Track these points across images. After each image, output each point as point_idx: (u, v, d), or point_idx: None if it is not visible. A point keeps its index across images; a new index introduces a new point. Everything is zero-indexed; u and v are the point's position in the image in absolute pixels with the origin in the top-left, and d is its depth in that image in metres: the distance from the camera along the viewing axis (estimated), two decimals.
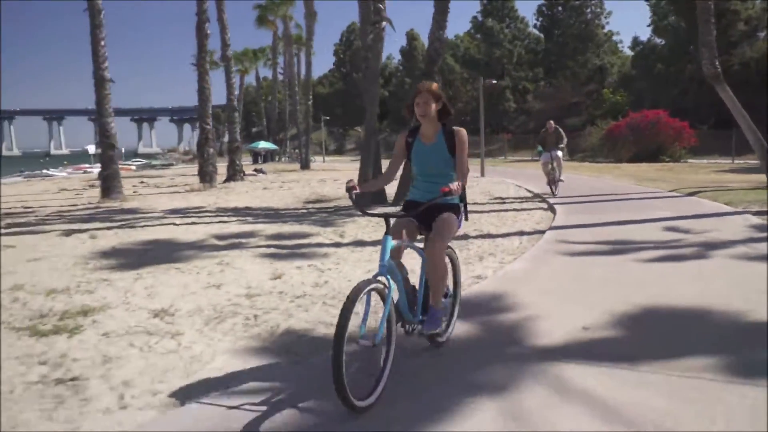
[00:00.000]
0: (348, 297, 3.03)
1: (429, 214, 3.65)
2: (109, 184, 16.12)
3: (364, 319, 3.13)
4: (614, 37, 56.15)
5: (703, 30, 14.35)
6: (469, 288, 5.62)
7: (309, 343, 4.27)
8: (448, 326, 4.07)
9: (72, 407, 3.31)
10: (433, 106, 3.69)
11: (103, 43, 16.11)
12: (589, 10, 54.18)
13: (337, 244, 8.39)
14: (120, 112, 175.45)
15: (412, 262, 3.89)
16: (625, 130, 33.28)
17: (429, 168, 3.79)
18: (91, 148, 55.14)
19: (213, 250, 8.06)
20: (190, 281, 6.22)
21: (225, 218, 12.01)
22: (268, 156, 54.65)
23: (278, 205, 14.62)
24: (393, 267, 3.44)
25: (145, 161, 69.12)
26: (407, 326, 3.67)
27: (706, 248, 7.23)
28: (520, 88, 55.10)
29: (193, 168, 35.14)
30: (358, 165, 16.02)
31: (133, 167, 52.91)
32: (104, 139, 16.50)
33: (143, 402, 3.35)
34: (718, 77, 14.25)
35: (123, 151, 56.91)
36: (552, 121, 14.34)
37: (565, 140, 13.97)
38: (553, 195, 13.60)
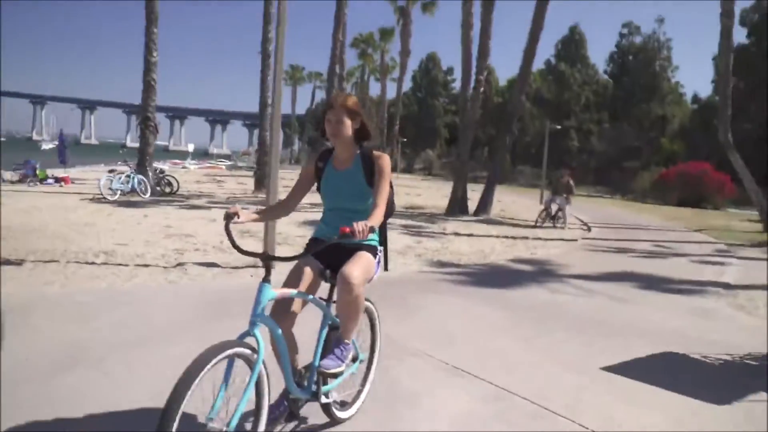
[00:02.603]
0: (186, 370, 2.16)
1: (337, 257, 2.93)
2: (261, 178, 21.69)
3: (219, 395, 2.31)
4: (680, 89, 59.88)
5: (721, 104, 18.88)
6: (532, 256, 10.62)
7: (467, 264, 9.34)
8: (356, 398, 3.37)
9: None
10: (348, 125, 2.99)
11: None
12: (657, 63, 58.05)
13: (443, 233, 13.47)
14: (196, 113, 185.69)
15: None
16: (673, 177, 37.31)
17: (341, 200, 3.07)
18: (191, 147, 62.24)
19: None
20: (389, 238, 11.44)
21: None
22: None
23: None
24: (270, 323, 2.69)
25: (230, 162, 75.72)
26: (288, 407, 2.99)
27: (673, 254, 12.03)
28: (584, 129, 59.28)
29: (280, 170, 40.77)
30: (431, 183, 21.02)
31: (223, 167, 57.97)
32: (262, 146, 22.15)
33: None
34: (729, 145, 18.71)
35: (192, 150, 61.97)
36: (567, 173, 17.68)
37: (573, 192, 17.15)
38: (536, 225, 16.35)
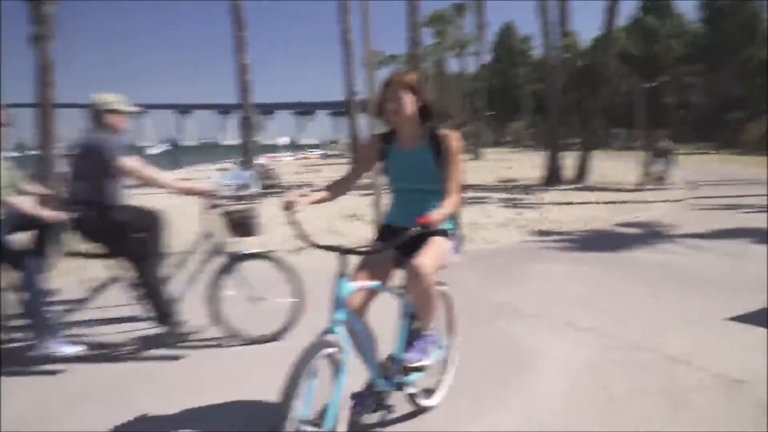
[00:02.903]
0: (289, 375, 2.20)
1: (411, 242, 2.64)
2: None
3: (307, 397, 2.28)
4: None
5: None
6: (636, 219, 10.59)
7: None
8: (440, 385, 3.29)
9: None
10: (409, 101, 2.82)
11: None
12: (754, 1, 54.03)
13: (541, 203, 13.54)
14: (282, 106, 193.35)
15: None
16: None
17: (410, 182, 2.92)
18: (282, 140, 64.34)
19: (472, 204, 13.50)
20: (474, 215, 11.68)
21: (466, 191, 17.60)
22: None
23: (479, 183, 19.98)
24: (353, 320, 2.64)
25: (321, 152, 77.69)
26: (374, 399, 2.91)
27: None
28: (680, 83, 56.22)
29: None
30: (521, 155, 20.93)
31: (317, 156, 59.78)
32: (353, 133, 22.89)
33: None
34: None
35: (289, 142, 64.59)
36: (664, 134, 18.19)
37: (673, 151, 17.16)
38: (637, 189, 16.27)
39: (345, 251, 2.54)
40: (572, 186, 17.75)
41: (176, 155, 25.39)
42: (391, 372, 2.87)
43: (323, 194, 2.90)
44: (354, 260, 2.70)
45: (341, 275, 2.51)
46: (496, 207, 12.94)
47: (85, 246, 4.21)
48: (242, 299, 4.36)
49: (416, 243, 2.74)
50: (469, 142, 57.39)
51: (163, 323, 4.18)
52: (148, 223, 4.27)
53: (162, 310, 4.14)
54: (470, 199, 14.49)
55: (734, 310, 4.86)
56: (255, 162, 20.49)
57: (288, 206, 2.63)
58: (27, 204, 4.00)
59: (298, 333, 4.14)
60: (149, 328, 4.28)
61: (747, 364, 3.75)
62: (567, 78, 59.93)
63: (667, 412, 3.18)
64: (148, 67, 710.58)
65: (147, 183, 4.16)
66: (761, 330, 4.36)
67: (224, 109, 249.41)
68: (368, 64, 8.22)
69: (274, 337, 4.30)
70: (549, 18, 19.24)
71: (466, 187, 19.93)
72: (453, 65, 70.51)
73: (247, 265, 4.40)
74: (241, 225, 4.38)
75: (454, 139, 2.85)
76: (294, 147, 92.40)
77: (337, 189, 2.97)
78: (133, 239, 4.08)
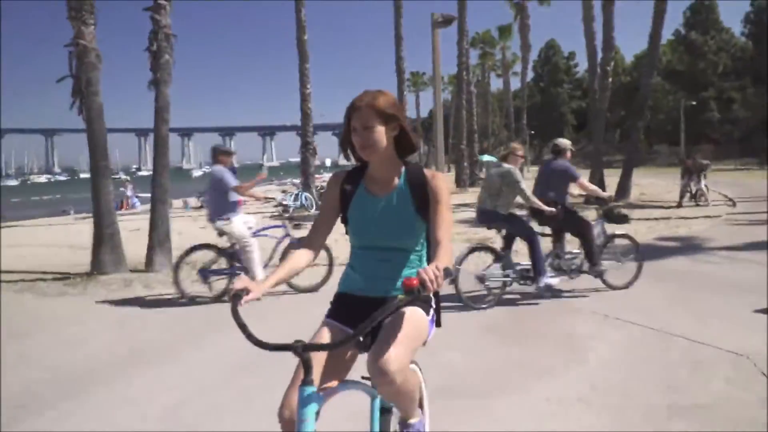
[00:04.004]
0: None
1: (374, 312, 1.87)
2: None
3: None
4: None
5: None
6: (674, 234, 11.49)
7: None
8: None
9: None
10: (381, 132, 2.13)
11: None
12: None
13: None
14: (323, 128, 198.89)
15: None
16: None
17: (379, 236, 2.21)
18: (328, 161, 66.69)
19: None
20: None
21: None
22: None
23: None
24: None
25: None
26: None
27: None
28: (725, 98, 55.97)
29: None
30: None
31: None
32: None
33: None
34: None
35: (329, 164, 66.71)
36: (698, 154, 19.02)
37: (707, 168, 17.44)
38: (677, 206, 16.76)
39: (306, 347, 1.81)
40: (614, 203, 18.52)
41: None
42: None
43: (282, 273, 2.14)
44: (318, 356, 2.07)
45: (304, 383, 1.81)
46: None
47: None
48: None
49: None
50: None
51: (593, 266, 6.73)
52: (573, 212, 6.81)
53: (594, 260, 6.69)
54: None
55: (760, 305, 5.86)
56: (312, 183, 21.96)
57: (236, 297, 1.90)
58: (536, 201, 6.45)
59: None
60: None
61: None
62: (610, 95, 60.41)
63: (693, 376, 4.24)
64: (188, 91, 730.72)
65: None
66: None
67: (266, 131, 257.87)
68: (437, 92, 9.46)
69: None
70: (595, 43, 20.32)
71: None
72: (496, 82, 71.82)
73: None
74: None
75: (440, 180, 2.20)
76: (335, 167, 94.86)
77: (301, 258, 2.21)
78: (580, 222, 6.67)
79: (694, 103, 34.50)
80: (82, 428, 3.66)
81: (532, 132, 62.93)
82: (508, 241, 6.64)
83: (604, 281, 6.86)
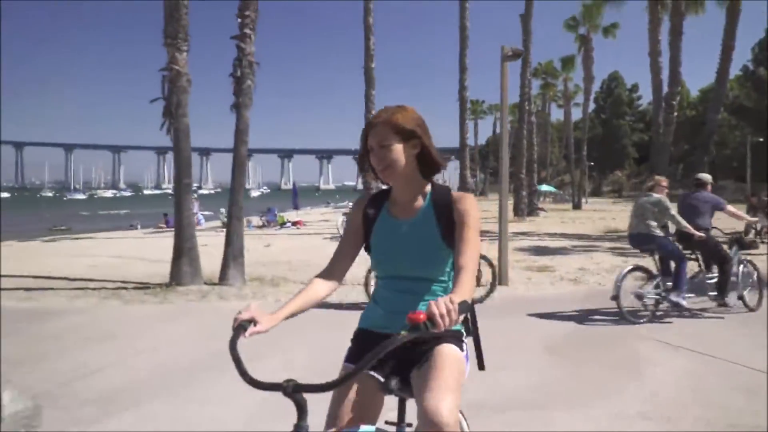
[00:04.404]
0: None
1: (405, 356, 1.93)
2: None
3: None
4: None
5: None
6: None
7: None
8: None
9: None
10: (400, 150, 1.97)
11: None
12: None
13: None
14: (342, 152, 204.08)
15: None
16: None
17: (403, 265, 2.03)
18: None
19: (578, 252, 14.57)
20: (581, 262, 12.78)
21: (557, 238, 18.63)
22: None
23: (583, 232, 20.84)
24: None
25: None
26: None
27: None
28: None
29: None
30: (623, 206, 21.44)
31: None
32: (463, 180, 24.56)
33: None
34: None
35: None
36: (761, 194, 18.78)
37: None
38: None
39: (297, 388, 1.57)
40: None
41: (297, 199, 27.70)
42: None
43: (298, 303, 1.94)
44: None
45: (297, 425, 1.57)
46: (602, 254, 13.93)
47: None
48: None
49: (411, 352, 1.94)
50: (559, 194, 58.12)
51: (722, 295, 7.18)
52: (717, 242, 7.33)
53: (725, 292, 7.16)
54: (576, 248, 15.56)
55: None
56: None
57: (240, 329, 1.74)
58: (688, 226, 7.05)
59: None
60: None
61: None
62: (674, 129, 59.37)
63: None
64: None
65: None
66: None
67: (324, 155, 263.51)
68: (504, 122, 9.90)
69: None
70: (658, 67, 20.26)
71: (570, 236, 20.90)
72: (556, 113, 71.45)
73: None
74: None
75: (468, 202, 2.01)
76: None
77: (319, 288, 2.03)
78: (721, 252, 7.19)
79: (761, 139, 33.46)
80: (161, 428, 3.92)
81: (591, 163, 62.08)
82: (663, 263, 7.25)
83: (735, 304, 7.43)
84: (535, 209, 30.47)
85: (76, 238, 22.33)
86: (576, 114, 55.93)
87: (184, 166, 9.58)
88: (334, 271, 2.09)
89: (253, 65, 10.02)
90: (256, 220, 24.95)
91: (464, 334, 2.07)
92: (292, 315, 1.91)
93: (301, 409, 1.58)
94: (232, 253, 9.80)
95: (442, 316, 1.49)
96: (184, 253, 9.59)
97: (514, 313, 7.54)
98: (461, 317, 1.60)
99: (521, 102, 28.36)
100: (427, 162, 2.02)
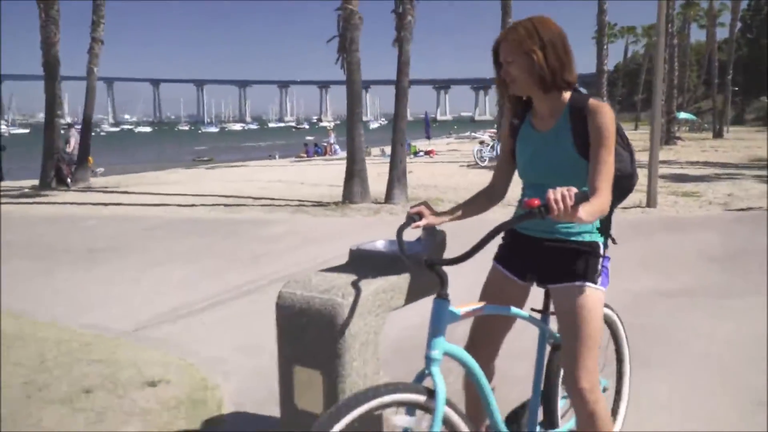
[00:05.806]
0: (331, 412, 1.58)
1: (541, 255, 2.09)
2: None
3: None
4: None
5: None
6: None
7: None
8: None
9: None
10: (522, 66, 1.94)
11: None
12: None
13: None
14: (461, 82, 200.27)
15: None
16: None
17: (540, 173, 2.06)
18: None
19: (723, 180, 14.38)
20: (728, 188, 12.72)
21: (699, 166, 18.31)
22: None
23: (727, 161, 20.18)
24: (459, 353, 1.88)
25: None
26: None
27: None
28: None
29: None
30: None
31: None
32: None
33: None
34: None
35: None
36: None
37: None
38: None
39: (434, 263, 1.79)
40: None
41: (429, 129, 28.50)
42: (525, 425, 2.24)
43: (461, 210, 2.17)
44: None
45: (438, 296, 1.79)
46: (751, 181, 13.75)
47: None
48: None
49: (547, 257, 2.07)
50: (707, 120, 54.48)
51: None
52: None
53: None
54: (720, 176, 15.39)
55: None
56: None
57: (409, 219, 2.04)
58: None
59: None
60: None
61: None
62: None
63: None
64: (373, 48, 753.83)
65: None
66: None
67: (441, 85, 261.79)
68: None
69: None
70: None
71: (712, 164, 20.25)
72: (695, 34, 66.36)
73: None
74: None
75: (603, 114, 1.92)
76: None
77: (482, 199, 2.22)
78: None
79: None
80: None
81: (736, 88, 57.53)
82: None
83: None
84: (673, 137, 29.44)
85: (232, 166, 24.75)
86: (719, 34, 51.66)
87: (356, 97, 10.73)
88: (497, 186, 2.22)
89: (413, 1, 10.83)
90: (389, 150, 26.05)
91: (600, 245, 2.05)
92: (453, 219, 2.13)
93: (444, 282, 1.80)
94: (397, 175, 10.96)
95: (556, 201, 1.55)
96: (355, 174, 10.89)
97: (667, 230, 8.11)
98: (581, 212, 1.63)
99: (664, 21, 26.91)
100: (558, 73, 1.94)
